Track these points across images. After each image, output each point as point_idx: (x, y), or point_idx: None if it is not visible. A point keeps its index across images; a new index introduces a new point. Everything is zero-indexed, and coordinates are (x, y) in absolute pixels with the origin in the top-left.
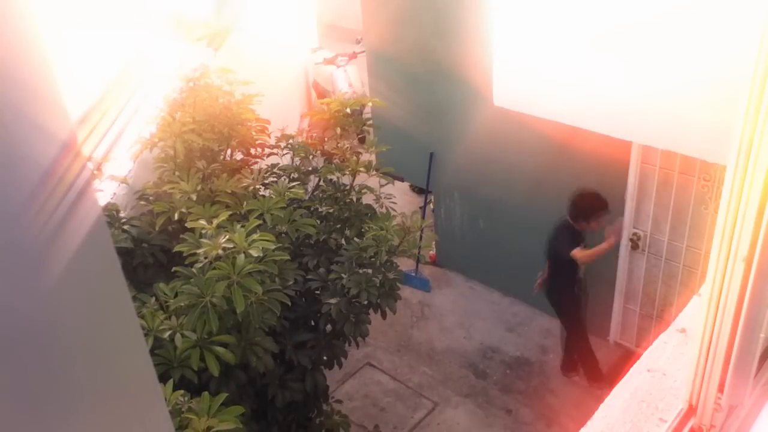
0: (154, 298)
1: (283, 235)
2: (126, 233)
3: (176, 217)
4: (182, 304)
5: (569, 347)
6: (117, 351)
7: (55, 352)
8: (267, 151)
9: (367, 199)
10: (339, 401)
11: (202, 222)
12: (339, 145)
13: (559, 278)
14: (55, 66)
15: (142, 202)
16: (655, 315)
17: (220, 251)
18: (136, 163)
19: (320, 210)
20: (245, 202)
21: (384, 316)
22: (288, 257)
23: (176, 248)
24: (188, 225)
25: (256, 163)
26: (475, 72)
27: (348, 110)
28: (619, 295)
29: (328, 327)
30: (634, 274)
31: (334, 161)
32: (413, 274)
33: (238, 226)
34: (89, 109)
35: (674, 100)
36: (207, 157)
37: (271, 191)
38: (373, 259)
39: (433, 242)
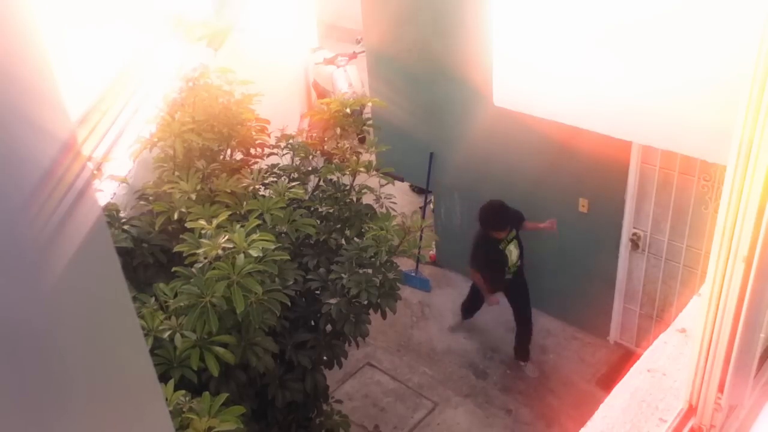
0: (154, 298)
1: (283, 235)
2: (126, 233)
3: (176, 217)
4: (182, 304)
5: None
6: (117, 351)
7: (55, 352)
8: (267, 151)
9: (367, 199)
10: (339, 401)
11: (202, 222)
12: (339, 145)
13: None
14: (55, 66)
15: (142, 202)
16: (655, 315)
17: (220, 251)
18: (136, 163)
19: (320, 210)
20: (245, 202)
21: (384, 316)
22: (288, 257)
23: (176, 248)
24: (188, 225)
25: (256, 163)
26: (475, 72)
27: (348, 110)
28: (619, 295)
29: (328, 327)
30: (634, 274)
31: (334, 161)
32: (413, 274)
33: (238, 226)
34: (89, 109)
35: (674, 100)
36: (207, 157)
37: (271, 191)
38: (373, 259)
39: (433, 242)
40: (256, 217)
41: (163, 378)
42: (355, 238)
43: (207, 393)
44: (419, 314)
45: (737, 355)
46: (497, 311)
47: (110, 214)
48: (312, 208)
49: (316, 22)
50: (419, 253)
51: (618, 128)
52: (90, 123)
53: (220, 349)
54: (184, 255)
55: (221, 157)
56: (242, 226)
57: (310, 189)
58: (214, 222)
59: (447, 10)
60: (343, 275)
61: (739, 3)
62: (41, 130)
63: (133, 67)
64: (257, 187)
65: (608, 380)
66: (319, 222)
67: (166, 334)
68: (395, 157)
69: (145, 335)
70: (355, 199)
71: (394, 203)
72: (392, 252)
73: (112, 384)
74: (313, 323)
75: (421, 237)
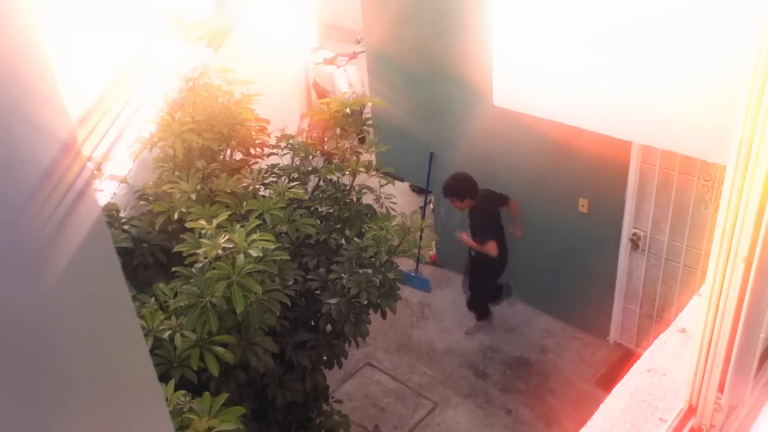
0: (154, 298)
1: (283, 235)
2: (126, 233)
3: (176, 217)
4: (182, 304)
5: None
6: (117, 351)
7: (55, 352)
8: (267, 151)
9: (367, 199)
10: (339, 401)
11: (202, 222)
12: (339, 145)
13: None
14: (55, 66)
15: (142, 202)
16: (655, 315)
17: (220, 251)
18: (136, 163)
19: (320, 210)
20: (245, 202)
21: (384, 316)
22: (288, 257)
23: (176, 248)
24: (188, 225)
25: (256, 163)
26: (475, 72)
27: (348, 110)
28: (619, 295)
29: (328, 327)
30: (634, 274)
31: (334, 161)
32: (413, 274)
33: (238, 226)
34: (89, 109)
35: (674, 100)
36: (207, 157)
37: (271, 191)
38: (373, 259)
39: (433, 242)
40: (256, 217)
41: (163, 378)
42: (355, 238)
43: (207, 393)
44: (419, 314)
45: (737, 355)
46: (496, 312)
47: (110, 214)
48: (312, 208)
49: (316, 22)
50: (419, 253)
51: (618, 128)
52: (90, 123)
53: (220, 349)
54: (184, 255)
55: (221, 157)
56: (242, 226)
57: (310, 189)
58: (214, 222)
59: (447, 10)
60: (343, 275)
61: (739, 3)
62: (41, 130)
63: (133, 67)
64: (257, 187)
65: (608, 380)
66: (319, 222)
67: (166, 334)
68: (395, 157)
69: (145, 335)
70: (355, 199)
71: (394, 203)
72: (392, 252)
73: (112, 384)
74: (313, 323)
75: (421, 237)
